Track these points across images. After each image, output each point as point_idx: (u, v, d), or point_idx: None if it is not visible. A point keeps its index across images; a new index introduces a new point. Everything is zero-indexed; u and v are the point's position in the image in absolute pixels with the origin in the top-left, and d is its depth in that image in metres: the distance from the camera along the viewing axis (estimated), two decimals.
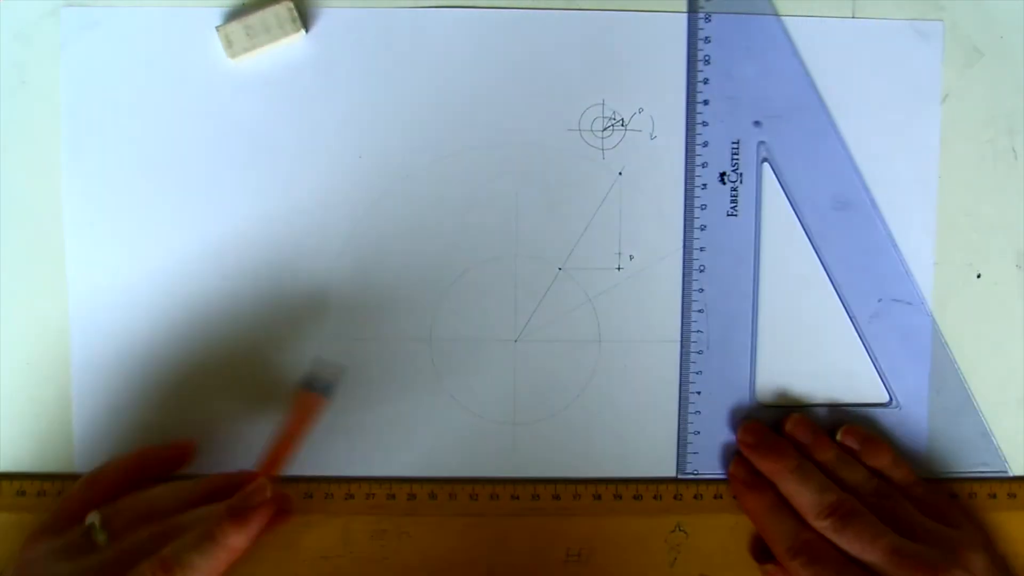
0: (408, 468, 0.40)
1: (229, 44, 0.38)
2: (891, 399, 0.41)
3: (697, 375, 0.40)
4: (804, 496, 0.37)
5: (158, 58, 0.38)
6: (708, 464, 0.40)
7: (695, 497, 0.40)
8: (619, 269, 0.40)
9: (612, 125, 0.40)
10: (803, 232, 0.40)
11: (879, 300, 0.40)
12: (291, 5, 0.38)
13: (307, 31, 0.39)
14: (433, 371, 0.40)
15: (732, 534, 0.40)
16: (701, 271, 0.40)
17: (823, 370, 0.41)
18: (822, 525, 0.36)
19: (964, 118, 0.41)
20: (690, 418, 0.40)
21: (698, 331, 0.40)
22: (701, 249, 0.40)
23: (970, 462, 0.41)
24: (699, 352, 0.40)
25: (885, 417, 0.41)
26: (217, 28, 0.38)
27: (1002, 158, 0.41)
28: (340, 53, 0.39)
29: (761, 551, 0.39)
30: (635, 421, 0.40)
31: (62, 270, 0.39)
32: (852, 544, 0.36)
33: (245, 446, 0.39)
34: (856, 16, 0.40)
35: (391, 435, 0.39)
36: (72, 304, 0.39)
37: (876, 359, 0.40)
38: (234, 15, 0.38)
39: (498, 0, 0.39)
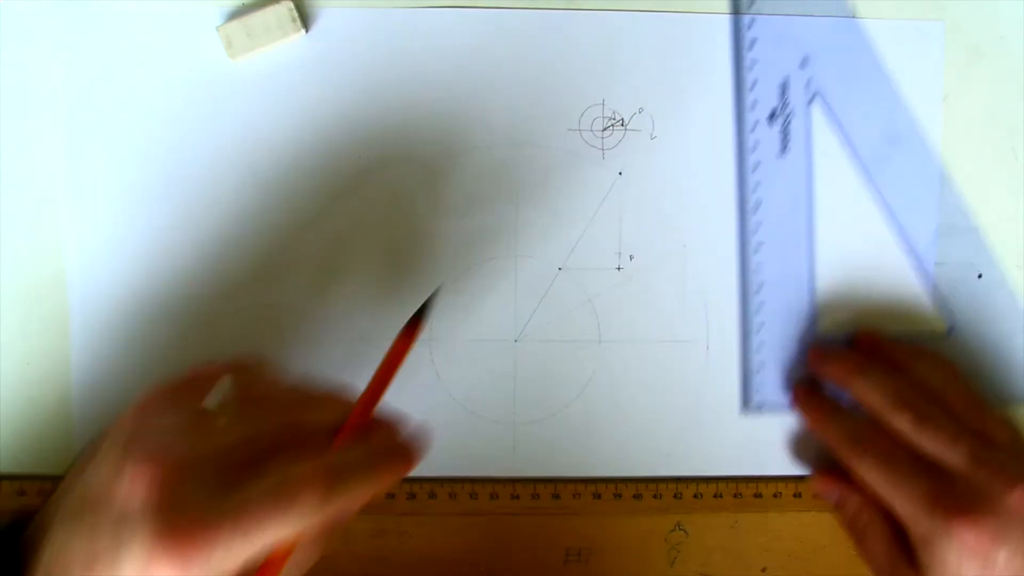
0: None
1: (229, 44, 0.38)
2: (951, 328, 0.41)
3: (760, 305, 0.40)
4: (879, 391, 0.36)
5: (158, 58, 0.38)
6: (773, 397, 0.40)
7: (695, 496, 0.40)
8: (619, 269, 0.40)
9: (612, 125, 0.40)
10: (856, 168, 0.40)
11: (935, 230, 0.40)
12: (291, 5, 0.38)
13: (307, 31, 0.39)
14: (433, 371, 0.40)
15: (732, 533, 0.40)
16: (757, 207, 0.40)
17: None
18: (900, 419, 0.35)
19: (964, 118, 0.41)
20: (754, 348, 0.40)
21: (758, 263, 0.40)
22: (757, 184, 0.40)
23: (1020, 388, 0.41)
24: (759, 286, 0.40)
25: (943, 347, 0.40)
26: (217, 28, 0.38)
27: (1002, 158, 0.41)
28: (340, 53, 0.39)
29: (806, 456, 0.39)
30: (635, 421, 0.40)
31: (62, 271, 0.39)
32: (931, 442, 0.35)
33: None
34: (856, 16, 0.40)
35: None
36: (72, 303, 0.39)
37: (935, 290, 0.40)
38: (234, 15, 0.38)
39: (498, 0, 0.39)
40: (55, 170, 0.39)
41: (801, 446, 0.40)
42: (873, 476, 0.36)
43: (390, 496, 0.39)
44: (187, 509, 0.25)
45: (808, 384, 0.40)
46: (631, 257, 0.40)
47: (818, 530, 0.40)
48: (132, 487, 0.26)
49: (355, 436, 0.30)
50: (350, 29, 0.39)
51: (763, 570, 0.40)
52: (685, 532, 0.40)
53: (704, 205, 0.40)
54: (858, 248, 0.41)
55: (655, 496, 0.40)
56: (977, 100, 0.41)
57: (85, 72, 0.38)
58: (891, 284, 0.41)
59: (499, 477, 0.40)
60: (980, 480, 0.34)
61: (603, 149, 0.40)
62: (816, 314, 0.41)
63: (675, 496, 0.40)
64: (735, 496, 0.40)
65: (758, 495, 0.40)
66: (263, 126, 0.39)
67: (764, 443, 0.40)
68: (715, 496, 0.40)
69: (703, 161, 0.40)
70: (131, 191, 0.39)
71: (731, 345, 0.40)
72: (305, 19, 0.39)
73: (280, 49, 0.39)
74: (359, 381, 0.39)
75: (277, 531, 0.26)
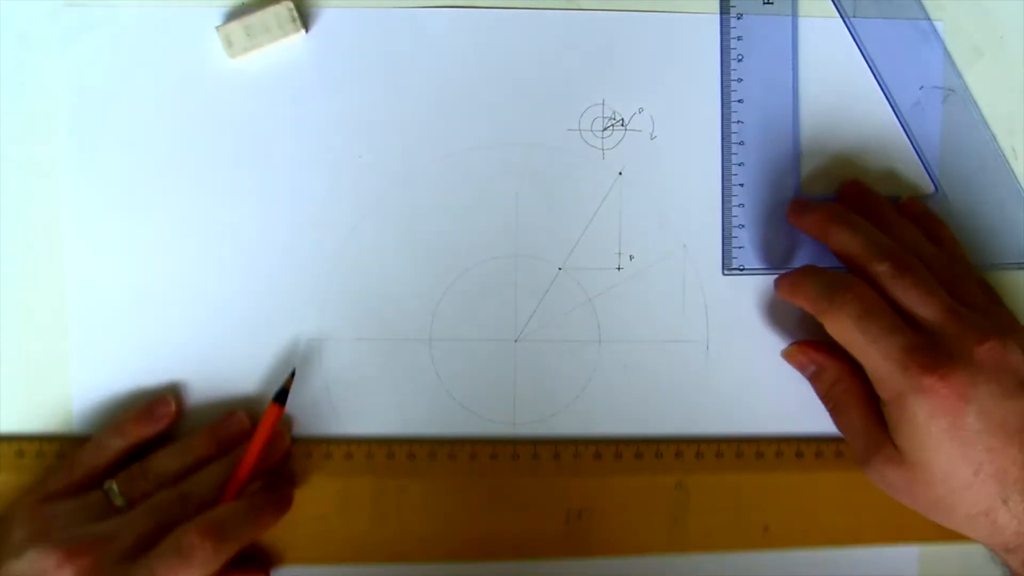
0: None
1: (229, 44, 0.38)
2: (936, 189, 0.41)
3: (739, 167, 0.40)
4: (858, 239, 0.36)
5: (158, 58, 0.38)
6: (752, 259, 0.40)
7: (696, 455, 0.40)
8: (619, 269, 0.40)
9: (612, 125, 0.40)
10: (841, 21, 0.40)
11: (920, 88, 0.40)
12: (291, 5, 0.38)
13: (307, 31, 0.39)
14: (433, 371, 0.40)
15: (734, 492, 0.40)
16: (739, 60, 0.40)
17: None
18: (878, 267, 0.34)
19: (964, 118, 0.41)
20: (734, 211, 0.40)
21: (738, 122, 0.40)
22: (738, 39, 0.40)
23: (1017, 251, 0.41)
24: (740, 143, 0.40)
25: (930, 207, 0.40)
26: (217, 28, 0.38)
27: (1002, 158, 0.41)
28: (340, 53, 0.39)
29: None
30: (635, 421, 0.40)
31: (62, 267, 0.38)
32: (908, 293, 0.34)
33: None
34: (856, 16, 0.40)
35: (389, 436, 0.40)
36: (70, 293, 0.39)
37: (919, 148, 0.40)
38: (234, 15, 0.38)
39: (498, 0, 0.39)
40: (55, 169, 0.38)
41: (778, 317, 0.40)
42: (847, 332, 0.34)
43: (390, 456, 0.39)
44: None
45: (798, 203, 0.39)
46: (631, 257, 0.40)
47: (820, 489, 0.40)
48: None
49: (238, 492, 0.36)
50: (350, 29, 0.39)
51: (765, 529, 0.39)
52: (687, 491, 0.40)
53: (704, 205, 0.40)
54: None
55: (656, 455, 0.40)
56: (977, 100, 0.41)
57: (85, 72, 0.38)
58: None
59: (499, 437, 0.40)
60: (952, 334, 0.33)
61: (603, 149, 0.40)
62: (798, 176, 0.40)
63: (676, 455, 0.40)
64: (737, 455, 0.40)
65: (760, 454, 0.40)
66: (263, 126, 0.39)
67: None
68: (716, 455, 0.40)
69: (703, 161, 0.40)
70: (131, 191, 0.39)
71: (731, 342, 0.40)
72: (305, 19, 0.39)
73: (280, 49, 0.39)
74: (357, 381, 0.39)
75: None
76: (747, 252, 0.40)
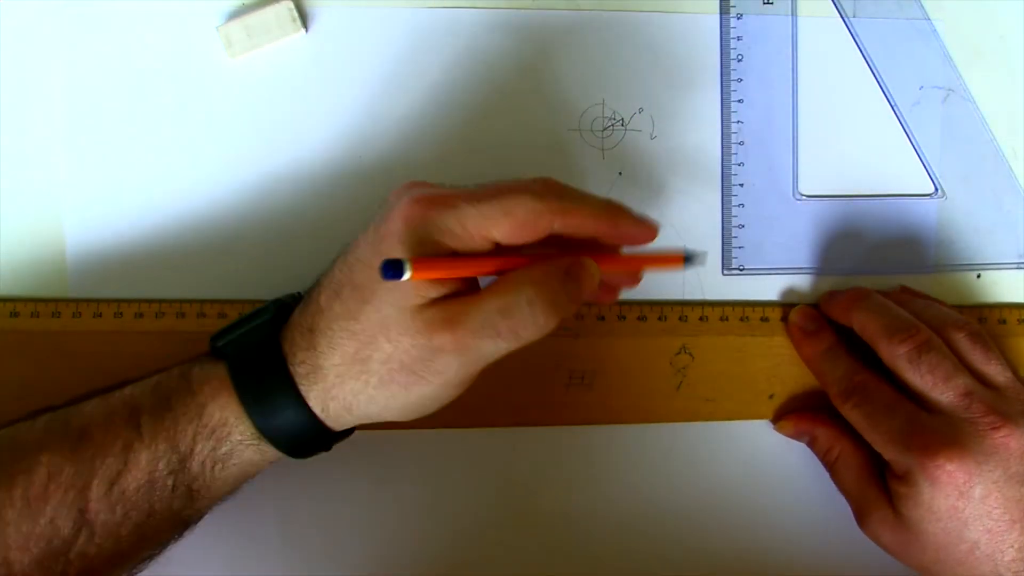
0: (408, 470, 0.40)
1: (229, 44, 0.38)
2: (936, 189, 0.41)
3: (739, 167, 0.40)
4: (878, 322, 0.36)
5: (158, 58, 0.38)
6: (752, 259, 0.40)
7: (700, 319, 0.39)
8: None
9: (612, 125, 0.40)
10: (841, 21, 0.40)
11: (920, 88, 0.40)
12: (291, 5, 0.38)
13: (307, 30, 0.39)
14: None
15: (738, 357, 0.40)
16: (739, 60, 0.40)
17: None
18: (896, 352, 0.35)
19: (964, 118, 0.41)
20: (734, 211, 0.40)
21: (738, 122, 0.40)
22: (738, 39, 0.40)
23: (1014, 252, 0.41)
24: (740, 143, 0.40)
25: (930, 207, 0.41)
26: (217, 28, 0.38)
27: (1002, 158, 0.41)
28: (340, 53, 0.39)
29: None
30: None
31: (63, 264, 0.38)
32: (924, 377, 0.35)
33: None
34: (856, 16, 0.40)
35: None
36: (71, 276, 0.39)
37: (919, 148, 0.40)
38: (234, 15, 0.38)
39: (498, 0, 0.39)
40: (56, 170, 0.38)
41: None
42: (853, 417, 0.36)
43: None
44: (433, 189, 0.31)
45: (804, 311, 0.39)
46: None
47: None
48: (396, 211, 0.31)
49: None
50: (350, 28, 0.39)
51: (770, 397, 0.39)
52: (691, 355, 0.39)
53: (704, 205, 0.40)
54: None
55: (660, 318, 0.39)
56: (977, 100, 0.41)
57: (85, 72, 0.38)
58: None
59: None
60: (967, 416, 0.34)
61: (603, 149, 0.40)
62: (797, 175, 0.41)
63: (680, 319, 0.39)
64: (741, 319, 0.40)
65: (764, 319, 0.40)
66: (263, 125, 0.39)
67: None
68: (721, 319, 0.39)
69: (703, 161, 0.40)
70: (131, 190, 0.39)
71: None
72: (305, 18, 0.39)
73: (280, 49, 0.39)
74: None
75: (500, 211, 0.30)
76: (747, 252, 0.40)
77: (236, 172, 0.39)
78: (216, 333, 0.33)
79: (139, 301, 0.38)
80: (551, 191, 0.31)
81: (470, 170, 0.39)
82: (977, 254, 0.41)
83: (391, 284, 0.30)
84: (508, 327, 0.30)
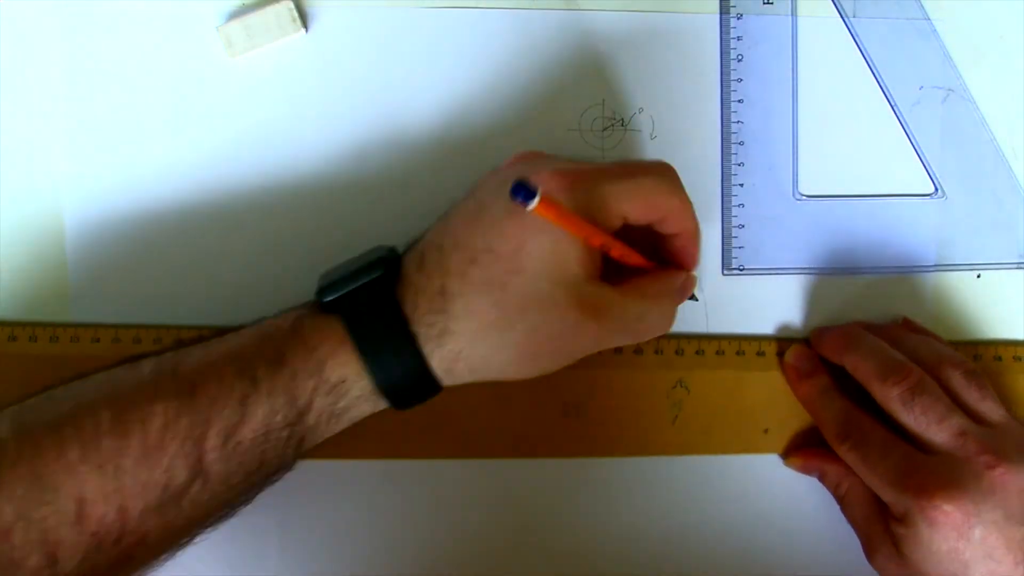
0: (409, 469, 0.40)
1: (229, 44, 0.38)
2: (936, 189, 0.41)
3: (739, 167, 0.40)
4: (871, 362, 0.36)
5: (158, 58, 0.38)
6: (752, 259, 0.40)
7: (697, 352, 0.39)
8: None
9: (612, 125, 0.40)
10: (841, 21, 0.40)
11: (920, 88, 0.40)
12: (291, 5, 0.38)
13: (307, 30, 0.39)
14: None
15: (734, 391, 0.40)
16: (739, 60, 0.40)
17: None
18: (890, 395, 0.35)
19: (964, 118, 0.41)
20: (734, 211, 0.40)
21: (738, 122, 0.40)
22: (738, 39, 0.40)
23: (1014, 252, 0.41)
24: (740, 143, 0.40)
25: (930, 207, 0.41)
26: (217, 28, 0.38)
27: (1002, 158, 0.41)
28: (340, 52, 0.39)
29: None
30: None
31: (63, 262, 0.38)
32: (918, 419, 0.35)
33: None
34: (856, 16, 0.40)
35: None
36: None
37: (919, 148, 0.40)
38: (234, 15, 0.38)
39: (498, 0, 0.39)
40: (56, 170, 0.38)
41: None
42: (850, 459, 0.37)
43: None
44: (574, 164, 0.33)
45: (799, 352, 0.40)
46: None
47: None
48: (540, 176, 0.31)
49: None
50: (350, 28, 0.39)
51: (765, 431, 0.39)
52: (687, 389, 0.39)
53: (704, 205, 0.40)
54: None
55: (656, 351, 0.39)
56: (976, 100, 0.41)
57: (85, 72, 0.38)
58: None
59: None
60: (963, 456, 0.34)
61: (603, 149, 0.40)
62: (797, 176, 0.41)
63: (676, 352, 0.39)
64: (738, 353, 0.40)
65: (761, 353, 0.40)
66: (263, 125, 0.39)
67: None
68: (717, 353, 0.39)
69: (703, 161, 0.40)
70: (132, 190, 0.39)
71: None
72: (305, 18, 0.39)
73: (280, 49, 0.39)
74: None
75: (631, 189, 0.32)
76: (747, 252, 0.40)
77: (236, 172, 0.39)
78: (323, 287, 0.33)
79: (137, 327, 0.38)
80: (673, 178, 0.34)
81: (470, 170, 0.39)
82: (977, 254, 0.41)
83: (546, 257, 0.31)
84: (639, 331, 0.34)
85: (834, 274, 0.41)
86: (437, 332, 0.32)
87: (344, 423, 0.33)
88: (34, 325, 0.38)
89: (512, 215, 0.31)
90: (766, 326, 0.40)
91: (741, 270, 0.40)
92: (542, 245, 0.31)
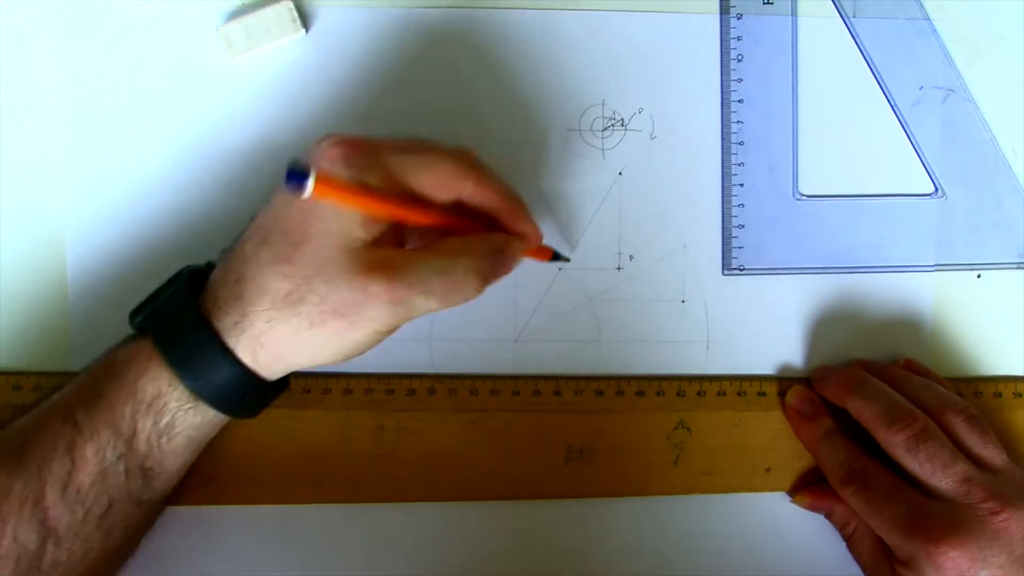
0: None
1: (229, 44, 0.38)
2: (936, 189, 0.41)
3: (739, 167, 0.40)
4: (875, 408, 0.36)
5: (158, 58, 0.38)
6: (752, 259, 0.40)
7: (698, 394, 0.40)
8: (619, 269, 0.40)
9: (612, 125, 0.40)
10: (841, 21, 0.40)
11: (920, 88, 0.40)
12: (291, 5, 0.38)
13: (307, 30, 0.39)
14: (433, 371, 0.40)
15: (736, 432, 0.40)
16: (739, 60, 0.40)
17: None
18: (894, 441, 0.35)
19: (964, 118, 0.41)
20: (734, 211, 0.40)
21: (738, 122, 0.40)
22: (738, 39, 0.40)
23: (1014, 252, 0.41)
24: (740, 143, 0.40)
25: (930, 206, 0.41)
26: (217, 28, 0.38)
27: (1002, 158, 0.41)
28: (340, 53, 0.39)
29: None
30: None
31: (63, 260, 0.38)
32: (923, 466, 0.35)
33: None
34: (856, 16, 0.40)
35: None
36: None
37: (919, 148, 0.40)
38: (234, 15, 0.38)
39: (498, 0, 0.39)
40: (56, 170, 0.38)
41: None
42: (854, 503, 0.37)
43: (389, 392, 0.39)
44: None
45: (800, 394, 0.40)
46: (631, 257, 0.40)
47: None
48: (319, 150, 0.31)
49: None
50: (350, 28, 0.39)
51: (767, 471, 0.39)
52: (688, 430, 0.39)
53: (704, 205, 0.40)
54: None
55: (658, 393, 0.40)
56: (976, 100, 0.41)
57: (85, 72, 0.38)
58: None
59: (500, 374, 0.39)
60: (967, 502, 0.34)
61: (603, 149, 0.40)
62: (797, 176, 0.41)
63: (678, 394, 0.40)
64: (739, 394, 0.40)
65: (762, 393, 0.40)
66: (263, 125, 0.39)
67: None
68: (719, 394, 0.40)
69: (703, 161, 0.40)
70: (131, 191, 0.39)
71: (731, 342, 0.40)
72: (305, 18, 0.39)
73: (280, 49, 0.39)
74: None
75: (421, 164, 0.32)
76: (747, 252, 0.40)
77: (236, 172, 0.39)
78: (133, 310, 0.34)
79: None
80: (471, 159, 0.33)
81: None
82: (977, 254, 0.41)
83: (329, 225, 0.30)
84: (442, 288, 0.31)
85: (834, 274, 0.41)
86: (235, 320, 0.31)
87: (181, 440, 0.33)
88: (39, 375, 0.38)
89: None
90: (766, 327, 0.40)
91: (741, 270, 0.40)
92: (324, 213, 0.30)
